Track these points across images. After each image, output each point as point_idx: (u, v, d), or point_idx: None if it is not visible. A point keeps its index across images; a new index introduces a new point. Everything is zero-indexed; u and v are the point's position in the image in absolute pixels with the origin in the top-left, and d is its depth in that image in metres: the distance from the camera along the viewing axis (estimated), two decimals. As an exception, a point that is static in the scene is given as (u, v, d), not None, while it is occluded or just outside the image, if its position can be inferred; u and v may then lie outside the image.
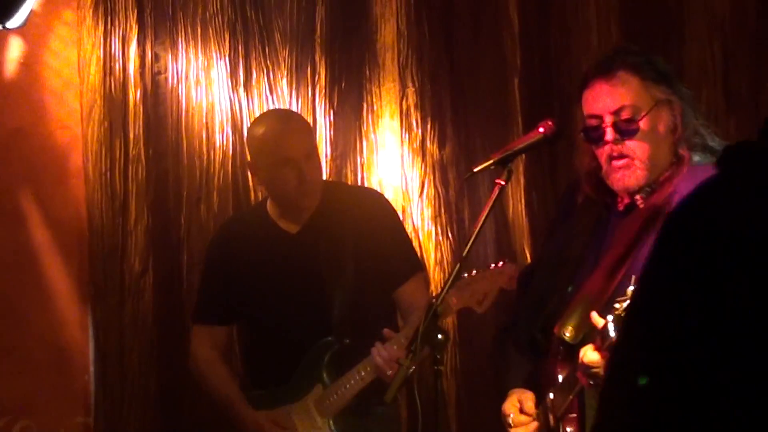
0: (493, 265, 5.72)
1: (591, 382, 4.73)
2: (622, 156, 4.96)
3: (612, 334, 4.53)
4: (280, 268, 6.61)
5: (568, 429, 5.01)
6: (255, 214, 6.94)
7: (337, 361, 6.41)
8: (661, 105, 5.04)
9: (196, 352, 6.81)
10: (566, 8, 7.89)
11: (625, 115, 4.97)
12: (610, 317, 4.52)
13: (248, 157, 6.94)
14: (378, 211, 6.74)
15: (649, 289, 2.96)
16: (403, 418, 6.79)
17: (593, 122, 5.05)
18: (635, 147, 4.97)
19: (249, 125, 7.21)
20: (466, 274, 5.73)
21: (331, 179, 7.35)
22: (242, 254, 6.81)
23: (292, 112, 7.53)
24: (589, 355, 4.63)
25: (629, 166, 4.97)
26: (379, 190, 7.38)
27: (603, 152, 5.01)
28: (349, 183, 7.59)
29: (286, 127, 6.84)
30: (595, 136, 5.04)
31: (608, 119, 4.99)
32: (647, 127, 4.98)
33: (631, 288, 4.45)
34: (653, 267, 2.94)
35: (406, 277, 6.55)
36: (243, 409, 6.53)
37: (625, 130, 4.97)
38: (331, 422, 6.44)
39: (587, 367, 4.66)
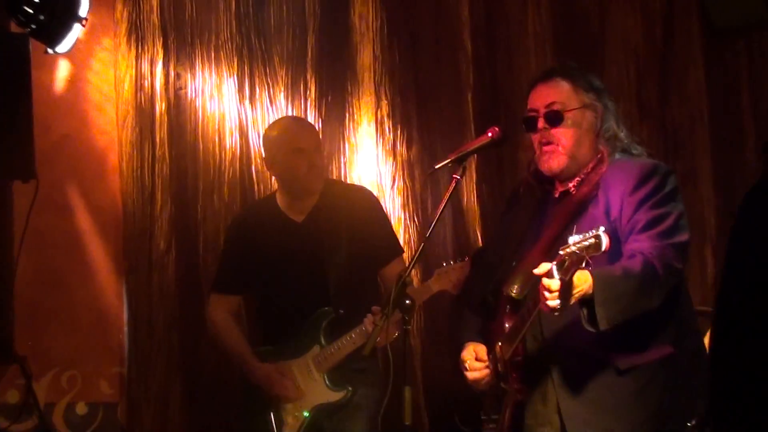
0: (466, 258, 6.16)
1: (553, 312, 4.82)
2: (549, 142, 5.23)
3: (556, 275, 4.64)
4: (287, 250, 6.83)
5: (513, 375, 5.20)
6: (266, 205, 7.12)
7: (332, 327, 6.68)
8: (587, 108, 5.26)
9: (214, 316, 7.02)
10: (510, 37, 8.37)
11: (554, 108, 5.24)
12: (554, 264, 4.66)
13: (263, 155, 7.03)
14: (367, 205, 6.99)
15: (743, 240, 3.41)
16: (380, 370, 6.83)
17: (531, 114, 5.32)
18: (560, 135, 5.21)
19: (265, 130, 7.30)
20: (444, 263, 6.26)
21: (328, 177, 7.50)
22: (256, 237, 6.99)
23: (302, 118, 7.74)
24: (549, 282, 4.69)
25: (554, 151, 5.21)
26: (368, 188, 7.43)
27: (536, 138, 5.30)
28: (335, 177, 7.79)
29: (299, 125, 7.20)
30: (531, 124, 5.29)
31: (541, 111, 5.26)
32: (572, 121, 5.23)
33: (573, 238, 4.69)
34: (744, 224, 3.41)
35: (389, 260, 6.84)
36: (253, 362, 6.76)
37: (553, 119, 5.21)
38: (325, 376, 6.68)
39: (548, 293, 4.71)
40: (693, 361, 5.30)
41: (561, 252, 4.68)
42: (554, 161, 5.26)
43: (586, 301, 4.85)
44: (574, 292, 4.81)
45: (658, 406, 5.18)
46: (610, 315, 4.84)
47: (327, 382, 6.70)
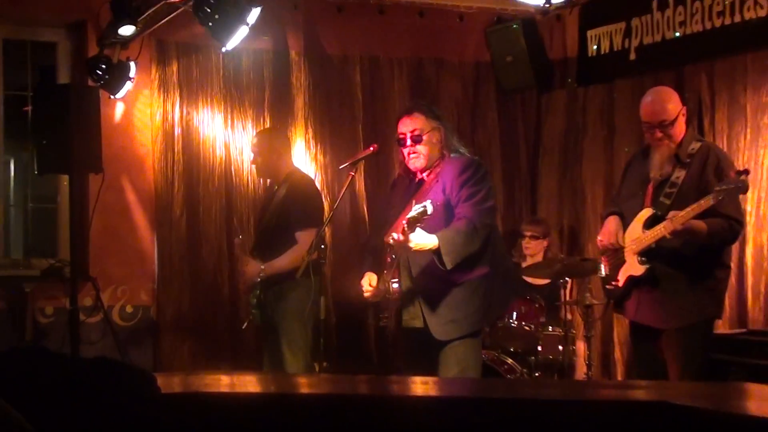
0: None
1: (403, 253, 5.24)
2: (414, 152, 5.52)
3: (407, 228, 5.03)
4: (263, 209, 7.08)
5: (394, 285, 5.45)
6: (270, 184, 7.18)
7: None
8: (434, 129, 5.54)
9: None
10: (384, 91, 8.52)
11: (416, 132, 5.51)
12: (404, 222, 5.03)
13: (252, 150, 7.11)
14: (300, 189, 6.89)
15: None
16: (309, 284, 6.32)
17: (401, 136, 5.57)
18: (420, 149, 5.51)
19: (254, 135, 7.43)
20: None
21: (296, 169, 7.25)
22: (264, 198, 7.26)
23: (261, 131, 7.65)
24: (393, 236, 5.15)
25: (417, 157, 5.52)
26: (309, 177, 7.34)
27: (405, 151, 5.56)
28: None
29: (277, 133, 7.43)
30: (402, 143, 5.56)
31: (408, 135, 5.53)
32: (426, 140, 5.50)
33: (415, 206, 5.01)
34: None
35: (301, 227, 6.70)
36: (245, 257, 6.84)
37: (415, 140, 5.50)
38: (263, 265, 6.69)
39: (391, 243, 5.17)
40: (503, 275, 5.69)
41: (407, 216, 5.02)
42: (417, 162, 5.55)
43: (436, 251, 5.25)
44: (423, 246, 5.20)
45: (482, 303, 5.52)
46: (451, 259, 5.27)
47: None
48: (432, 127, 5.57)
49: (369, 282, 5.58)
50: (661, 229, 5.57)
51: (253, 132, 8.03)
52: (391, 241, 5.23)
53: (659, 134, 5.76)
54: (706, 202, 5.35)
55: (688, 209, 5.44)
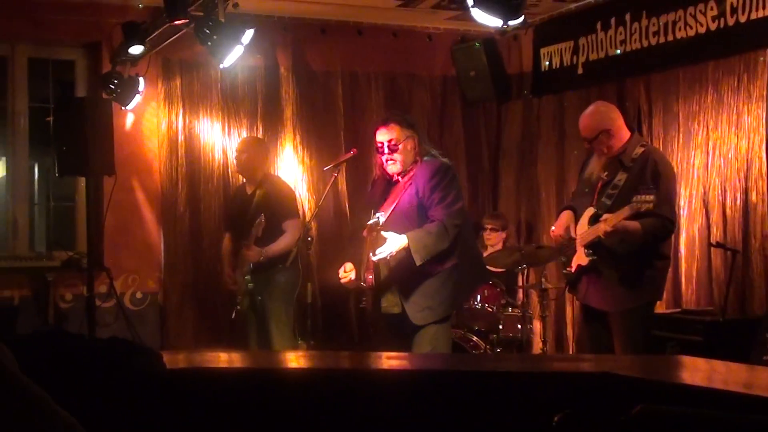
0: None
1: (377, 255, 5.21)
2: (391, 159, 5.47)
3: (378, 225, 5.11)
4: (245, 208, 7.01)
5: (369, 277, 5.43)
6: (240, 185, 7.29)
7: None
8: (409, 137, 5.45)
9: (222, 243, 7.31)
10: (363, 102, 8.45)
11: (392, 142, 5.42)
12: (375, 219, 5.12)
13: (237, 148, 7.24)
14: (279, 187, 7.02)
15: None
16: (298, 270, 6.86)
17: (380, 145, 5.49)
18: (396, 156, 5.43)
19: (243, 139, 7.51)
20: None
21: (269, 172, 7.39)
22: (235, 199, 7.34)
23: (245, 139, 7.62)
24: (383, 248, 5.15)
25: (394, 163, 5.46)
26: (284, 179, 7.49)
27: (383, 158, 5.51)
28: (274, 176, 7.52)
29: (262, 142, 7.52)
30: (380, 151, 5.49)
31: (385, 144, 5.44)
32: (402, 148, 5.42)
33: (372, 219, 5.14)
34: None
35: (286, 218, 6.84)
36: (227, 263, 7.09)
37: (392, 149, 5.42)
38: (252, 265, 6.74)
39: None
40: (470, 265, 5.66)
41: (368, 222, 5.21)
42: (393, 167, 5.49)
43: (408, 249, 5.23)
44: (395, 247, 5.21)
45: (452, 291, 5.49)
46: (420, 256, 5.26)
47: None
48: (406, 136, 5.50)
49: (344, 269, 5.54)
50: (597, 229, 5.57)
51: None
52: (374, 258, 5.27)
53: (587, 146, 5.80)
54: (624, 212, 5.32)
55: (615, 214, 5.44)
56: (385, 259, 5.30)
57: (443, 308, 5.51)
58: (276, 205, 6.85)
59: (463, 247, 5.54)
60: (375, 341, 6.48)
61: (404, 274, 5.42)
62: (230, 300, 7.34)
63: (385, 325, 5.68)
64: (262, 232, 6.72)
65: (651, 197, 5.20)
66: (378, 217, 5.17)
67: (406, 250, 5.26)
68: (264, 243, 6.76)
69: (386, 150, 5.48)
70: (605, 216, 5.51)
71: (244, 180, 7.25)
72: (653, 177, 5.56)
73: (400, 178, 5.52)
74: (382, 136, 5.53)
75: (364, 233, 5.37)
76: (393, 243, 5.23)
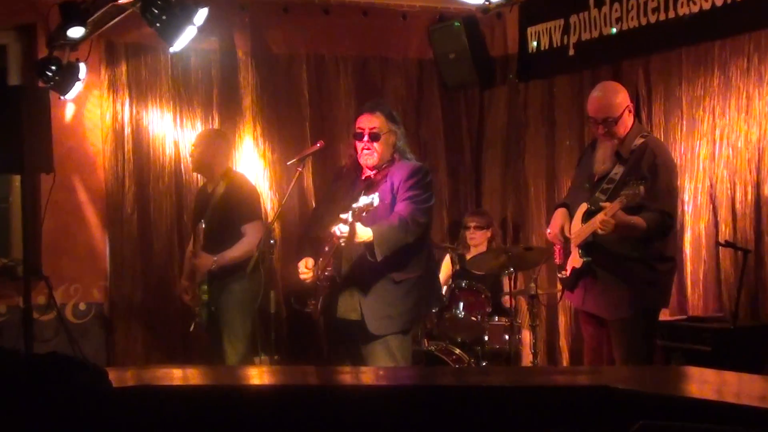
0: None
1: (341, 242, 5.23)
2: (369, 149, 5.55)
3: (350, 219, 5.08)
4: (203, 209, 6.99)
5: (325, 274, 5.52)
6: (203, 183, 7.24)
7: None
8: (391, 132, 5.60)
9: (188, 246, 7.23)
10: (330, 90, 8.50)
11: (374, 130, 5.54)
12: (349, 212, 5.04)
13: (192, 144, 7.17)
14: (240, 186, 6.96)
15: None
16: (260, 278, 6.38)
17: (359, 130, 5.59)
18: (375, 146, 5.54)
19: (198, 133, 7.45)
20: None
21: (232, 169, 7.32)
22: (197, 199, 7.26)
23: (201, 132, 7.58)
24: (340, 226, 5.11)
25: (371, 154, 5.55)
26: (245, 176, 7.31)
27: (359, 144, 5.58)
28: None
29: (218, 134, 7.38)
30: (359, 137, 5.57)
31: (366, 131, 5.55)
32: (383, 140, 5.55)
33: (362, 198, 5.10)
34: None
35: (246, 221, 6.79)
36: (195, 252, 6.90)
37: (373, 137, 5.53)
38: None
39: (334, 233, 5.15)
40: (430, 281, 5.85)
41: (353, 205, 5.09)
42: (370, 160, 5.59)
43: (368, 244, 5.31)
44: (360, 237, 5.24)
45: (415, 303, 5.63)
46: (381, 251, 5.32)
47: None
48: (390, 129, 5.63)
49: (305, 264, 5.59)
50: (592, 224, 5.59)
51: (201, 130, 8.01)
52: (337, 231, 5.24)
53: (602, 130, 5.75)
54: (618, 202, 5.38)
55: (608, 209, 5.46)
56: (346, 249, 5.38)
57: (404, 320, 5.61)
58: (235, 207, 6.84)
59: (429, 259, 5.73)
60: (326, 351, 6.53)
61: (366, 276, 5.50)
62: (186, 311, 7.34)
63: (336, 332, 5.75)
64: (220, 236, 6.78)
65: (640, 188, 5.25)
66: (372, 199, 5.12)
67: (366, 246, 5.34)
68: (221, 249, 6.77)
69: (366, 137, 5.59)
70: (604, 204, 5.54)
71: (204, 179, 7.25)
72: (650, 169, 5.60)
73: (372, 174, 5.61)
74: (365, 122, 5.65)
75: (335, 230, 5.30)
76: (361, 232, 5.28)
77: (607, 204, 5.52)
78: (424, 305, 5.88)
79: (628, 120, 5.79)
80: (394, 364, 5.48)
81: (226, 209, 6.83)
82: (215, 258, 6.74)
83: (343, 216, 5.17)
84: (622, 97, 5.80)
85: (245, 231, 6.79)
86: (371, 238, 5.31)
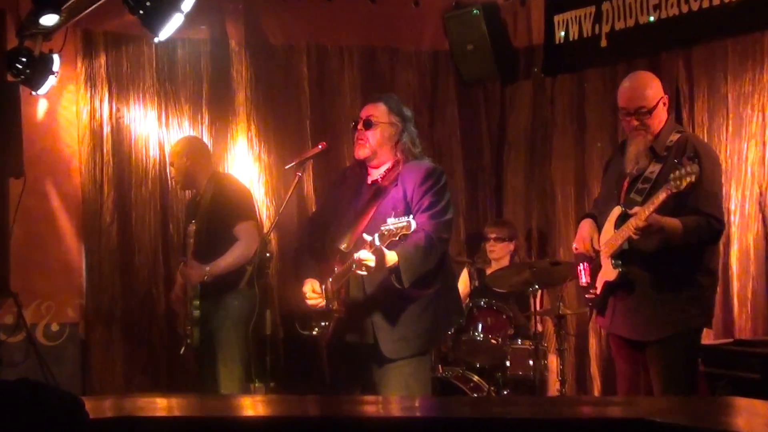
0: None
1: (362, 271, 5.11)
2: (361, 138, 5.53)
3: (378, 243, 4.99)
4: (190, 213, 7.14)
5: (339, 298, 5.42)
6: (193, 195, 7.24)
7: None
8: (391, 125, 5.55)
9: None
10: (333, 84, 8.56)
11: (370, 118, 5.53)
12: (376, 234, 4.95)
13: (168, 161, 7.29)
14: (226, 185, 7.00)
15: None
16: (254, 295, 6.62)
17: (356, 119, 5.61)
18: (369, 135, 5.50)
19: (171, 149, 7.37)
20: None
21: (217, 171, 7.41)
22: (187, 208, 7.33)
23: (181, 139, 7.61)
24: (365, 254, 5.02)
25: (363, 145, 5.52)
26: (235, 176, 7.50)
27: (355, 135, 5.59)
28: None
29: (191, 140, 7.44)
30: (354, 126, 5.59)
31: (361, 118, 5.57)
32: (378, 129, 5.52)
33: (391, 219, 4.99)
34: None
35: (237, 221, 6.79)
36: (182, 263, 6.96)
37: (367, 124, 5.51)
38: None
39: (362, 261, 5.04)
40: (450, 294, 5.73)
41: (382, 228, 4.97)
42: (361, 151, 5.56)
43: (394, 269, 5.21)
44: (387, 264, 5.15)
45: (432, 321, 5.51)
46: (408, 277, 5.23)
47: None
48: (389, 121, 5.60)
49: (312, 288, 5.53)
50: (626, 229, 5.56)
51: (190, 130, 8.13)
52: (344, 247, 5.28)
53: (635, 122, 5.70)
54: (659, 197, 5.34)
55: (648, 204, 5.43)
56: (361, 266, 5.18)
57: (421, 341, 5.55)
58: (224, 207, 6.84)
59: (447, 270, 5.65)
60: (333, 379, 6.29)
61: (382, 297, 5.45)
62: (173, 332, 7.43)
63: (346, 358, 5.67)
64: (212, 243, 6.79)
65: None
66: (408, 222, 5.03)
67: (391, 270, 5.25)
68: (214, 257, 6.77)
69: (360, 126, 5.61)
70: (635, 209, 5.51)
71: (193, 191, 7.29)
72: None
73: (379, 178, 5.59)
74: (363, 111, 5.69)
75: (342, 246, 5.36)
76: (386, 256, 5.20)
77: (639, 208, 5.49)
78: (443, 321, 5.81)
79: (662, 113, 5.76)
80: (411, 391, 5.44)
81: (214, 211, 6.85)
82: (208, 267, 6.73)
83: (367, 238, 5.10)
84: (656, 87, 5.77)
85: (238, 233, 6.79)
86: (396, 263, 5.25)
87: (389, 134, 5.61)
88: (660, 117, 5.73)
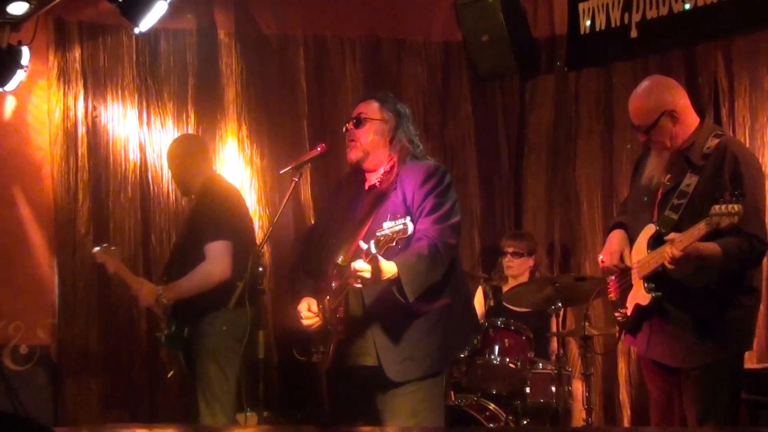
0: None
1: (357, 283, 5.02)
2: (352, 139, 5.50)
3: (374, 250, 4.86)
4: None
5: (337, 316, 5.32)
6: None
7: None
8: (384, 122, 5.50)
9: None
10: (333, 80, 8.56)
11: (360, 116, 5.51)
12: (372, 242, 4.83)
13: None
14: (209, 195, 6.79)
15: None
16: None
17: (347, 123, 5.57)
18: (359, 134, 5.47)
19: (168, 149, 7.23)
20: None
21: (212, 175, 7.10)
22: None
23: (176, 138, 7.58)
24: (360, 264, 4.91)
25: (355, 146, 5.49)
26: (227, 181, 7.19)
27: (346, 135, 5.57)
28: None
29: (186, 140, 7.44)
30: (347, 125, 5.54)
31: (353, 118, 5.54)
32: (369, 128, 5.50)
33: (387, 223, 4.86)
34: None
35: (207, 239, 6.56)
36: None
37: (357, 123, 5.48)
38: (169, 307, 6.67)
39: (356, 272, 4.93)
40: (463, 308, 5.61)
41: (378, 233, 4.85)
42: (353, 153, 5.53)
43: (395, 281, 5.10)
44: (384, 274, 5.03)
45: (443, 338, 5.38)
46: (413, 289, 5.12)
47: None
48: (381, 118, 5.57)
49: (309, 307, 5.46)
50: (661, 255, 5.45)
51: (174, 130, 8.16)
52: (340, 261, 5.22)
53: (643, 138, 5.69)
54: (698, 230, 5.21)
55: (687, 233, 5.31)
56: (356, 277, 5.08)
57: (431, 361, 5.40)
58: (200, 221, 6.72)
59: (456, 280, 5.56)
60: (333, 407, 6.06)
61: (384, 313, 5.35)
62: (154, 356, 7.47)
63: (347, 383, 5.55)
64: (185, 259, 6.70)
65: (737, 207, 5.07)
66: (404, 224, 4.90)
67: (392, 283, 5.16)
68: (181, 275, 6.66)
69: (350, 125, 5.60)
70: (672, 235, 5.40)
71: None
72: (733, 179, 5.44)
73: (377, 182, 5.53)
74: (355, 110, 5.68)
75: (338, 260, 5.27)
76: (384, 266, 5.09)
77: (676, 234, 5.37)
78: (456, 338, 5.67)
79: (688, 117, 5.66)
80: (420, 420, 5.35)
81: (192, 225, 6.79)
82: (161, 290, 6.64)
83: (363, 246, 5.00)
84: (656, 100, 5.64)
85: (207, 252, 6.62)
86: (396, 274, 5.15)
87: (382, 132, 5.58)
88: (687, 122, 5.63)
